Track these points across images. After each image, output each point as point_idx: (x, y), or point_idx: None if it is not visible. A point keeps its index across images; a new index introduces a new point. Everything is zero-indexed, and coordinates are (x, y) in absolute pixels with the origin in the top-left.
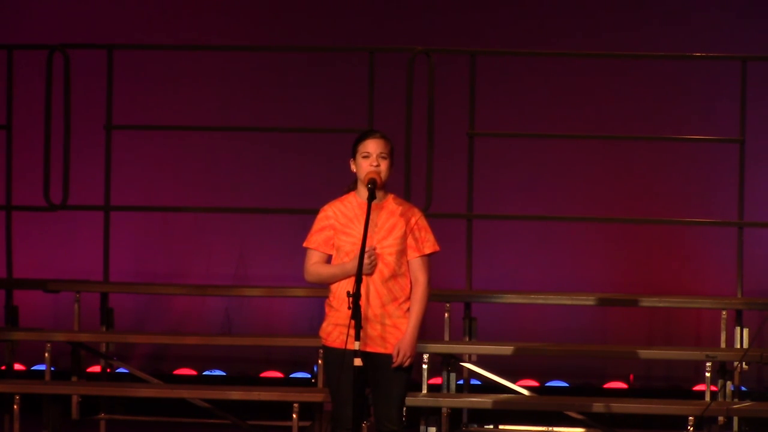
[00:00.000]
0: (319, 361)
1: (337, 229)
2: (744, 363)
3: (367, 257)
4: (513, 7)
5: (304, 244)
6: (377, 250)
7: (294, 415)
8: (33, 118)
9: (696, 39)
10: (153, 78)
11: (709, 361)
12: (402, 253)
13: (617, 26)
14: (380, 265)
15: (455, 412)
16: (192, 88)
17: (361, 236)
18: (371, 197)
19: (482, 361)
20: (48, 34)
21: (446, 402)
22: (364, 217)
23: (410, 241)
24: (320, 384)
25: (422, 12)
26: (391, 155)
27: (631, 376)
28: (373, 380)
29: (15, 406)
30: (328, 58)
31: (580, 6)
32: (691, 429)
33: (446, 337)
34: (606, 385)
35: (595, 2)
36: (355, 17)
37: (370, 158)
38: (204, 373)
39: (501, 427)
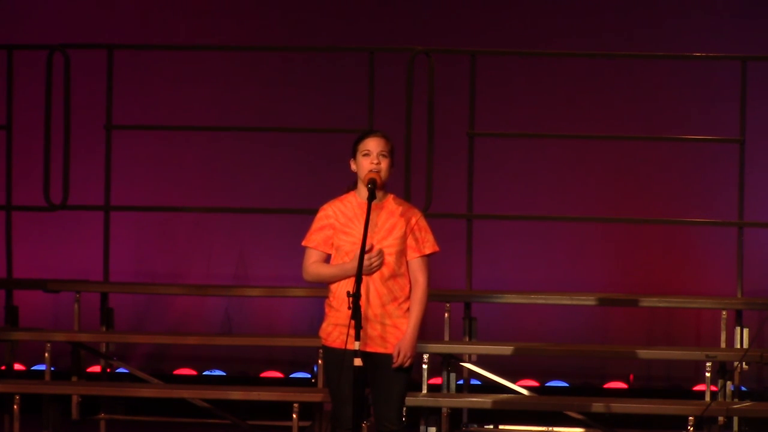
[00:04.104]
0: (319, 361)
1: (336, 229)
2: (744, 363)
3: (368, 259)
4: (513, 7)
5: (303, 243)
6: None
7: (294, 415)
8: (33, 118)
9: (696, 39)
10: (153, 78)
11: (709, 361)
12: (402, 253)
13: (617, 26)
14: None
15: (455, 412)
16: (192, 88)
17: (360, 236)
18: (371, 197)
19: (482, 361)
20: (48, 34)
21: (446, 402)
22: (364, 216)
23: (410, 241)
24: (320, 384)
25: (422, 12)
26: (391, 154)
27: (631, 376)
28: (373, 380)
29: (15, 406)
30: (328, 58)
31: (579, 6)
32: (691, 429)
33: (446, 337)
34: (606, 385)
35: (594, 2)
36: (355, 17)
37: (371, 156)
38: (204, 373)
39: (501, 427)
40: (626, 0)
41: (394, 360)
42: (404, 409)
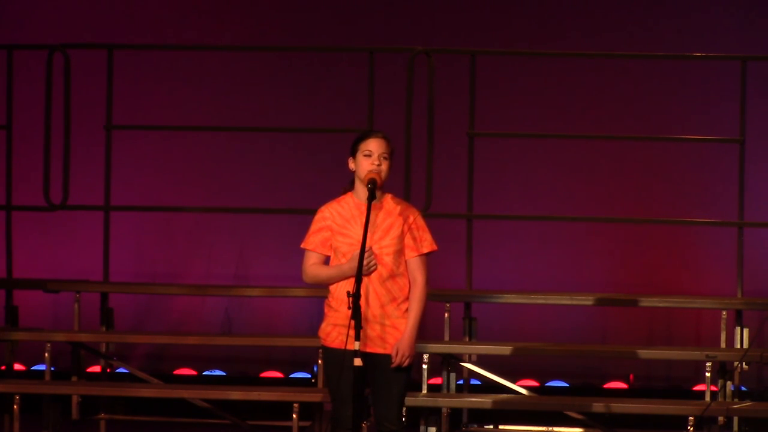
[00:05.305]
0: (319, 361)
1: (334, 230)
2: (744, 363)
3: (364, 259)
4: (513, 7)
5: (302, 245)
6: (374, 251)
7: (294, 415)
8: (33, 118)
9: (696, 39)
10: (153, 78)
11: (709, 361)
12: (400, 252)
13: (617, 26)
14: (378, 266)
15: (455, 412)
16: (192, 88)
17: (358, 237)
18: (371, 197)
19: (482, 361)
20: (48, 34)
21: (446, 402)
22: (362, 217)
23: (408, 240)
24: (320, 384)
25: (422, 12)
26: (391, 156)
27: (631, 376)
28: (373, 380)
29: (15, 406)
30: (328, 58)
31: (579, 6)
32: (691, 429)
33: (446, 337)
34: (606, 385)
35: (594, 2)
36: (355, 17)
37: (372, 157)
38: (204, 373)
39: (501, 427)
40: (626, 0)
41: (393, 360)
42: (404, 409)
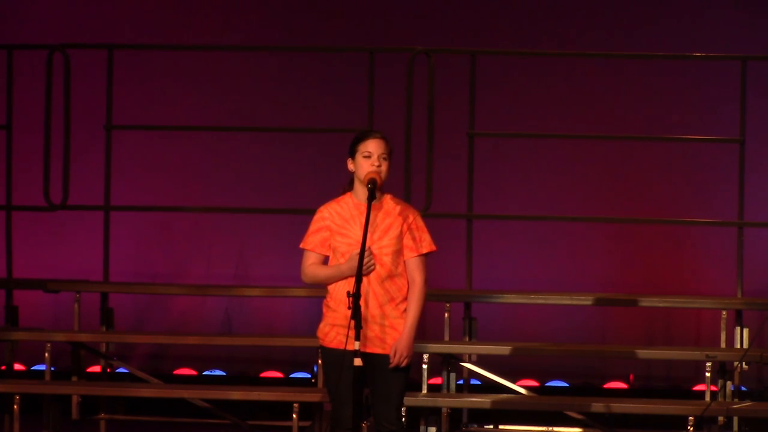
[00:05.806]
0: (319, 361)
1: (333, 231)
2: (744, 363)
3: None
4: (513, 7)
5: (301, 245)
6: (373, 251)
7: (294, 415)
8: (33, 118)
9: (696, 39)
10: (153, 78)
11: (709, 361)
12: (398, 253)
13: (617, 26)
14: (377, 266)
15: (455, 412)
16: (192, 88)
17: (357, 237)
18: (371, 197)
19: (482, 361)
20: (48, 34)
21: (446, 402)
22: (361, 217)
23: (407, 240)
24: (320, 384)
25: (422, 12)
26: (390, 156)
27: (631, 376)
28: (372, 381)
29: (15, 406)
30: (328, 58)
31: (580, 6)
32: (691, 429)
33: (446, 337)
34: (606, 385)
35: (595, 2)
36: (355, 17)
37: (372, 158)
38: (204, 373)
39: (501, 427)
40: (626, 1)
41: (391, 360)
42: (403, 409)
